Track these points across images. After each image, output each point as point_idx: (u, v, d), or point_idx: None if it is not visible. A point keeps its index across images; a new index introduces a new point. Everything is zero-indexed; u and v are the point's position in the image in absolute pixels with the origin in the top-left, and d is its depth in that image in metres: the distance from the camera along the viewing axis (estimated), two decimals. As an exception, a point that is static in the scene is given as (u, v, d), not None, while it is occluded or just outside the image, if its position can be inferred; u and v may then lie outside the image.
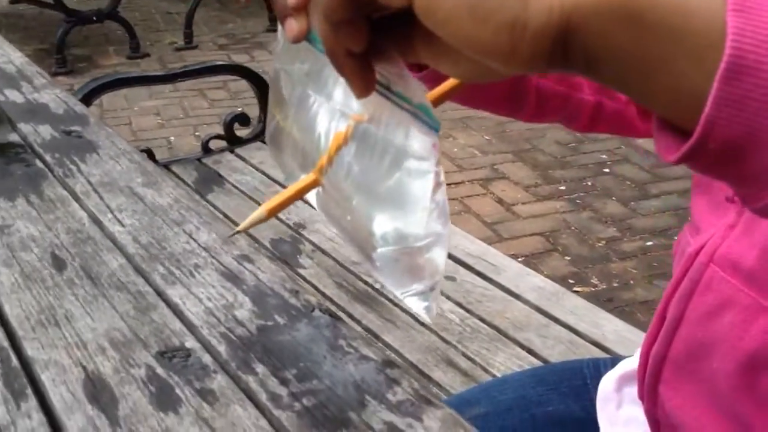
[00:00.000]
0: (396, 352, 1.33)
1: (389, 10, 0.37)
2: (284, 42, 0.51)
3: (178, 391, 0.55)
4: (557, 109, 0.74)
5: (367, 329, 1.40)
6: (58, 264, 0.70)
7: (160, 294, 0.65)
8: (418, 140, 0.41)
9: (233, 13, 5.43)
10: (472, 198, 2.97)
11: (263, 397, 0.54)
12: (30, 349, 0.60)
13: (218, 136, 2.16)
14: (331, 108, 0.47)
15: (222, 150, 2.14)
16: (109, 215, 0.79)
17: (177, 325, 0.61)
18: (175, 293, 0.65)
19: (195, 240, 0.73)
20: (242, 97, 3.88)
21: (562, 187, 3.05)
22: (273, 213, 0.48)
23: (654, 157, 3.27)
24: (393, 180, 0.42)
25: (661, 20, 0.32)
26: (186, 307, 0.63)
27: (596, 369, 0.85)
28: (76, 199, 0.83)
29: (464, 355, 1.32)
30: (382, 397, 0.53)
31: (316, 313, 0.62)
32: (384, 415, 0.52)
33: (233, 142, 2.14)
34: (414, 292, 0.42)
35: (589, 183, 3.08)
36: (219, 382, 0.55)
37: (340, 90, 0.46)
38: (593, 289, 2.43)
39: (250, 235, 1.70)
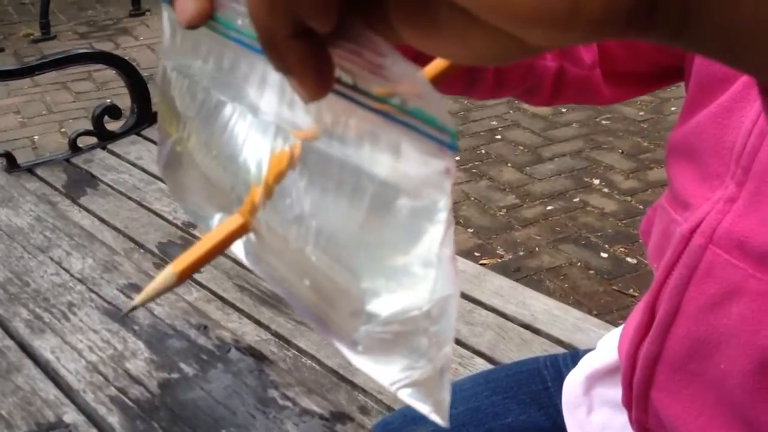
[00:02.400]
0: (313, 358, 1.20)
1: None
2: (174, 29, 0.36)
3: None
4: (518, 82, 0.63)
5: (277, 335, 1.26)
6: None
7: (24, 348, 0.50)
8: (418, 164, 0.26)
9: (92, -2, 5.10)
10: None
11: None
12: None
13: (87, 132, 1.96)
14: (260, 120, 0.32)
15: (93, 147, 1.94)
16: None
17: (51, 391, 0.46)
18: (44, 345, 0.50)
19: (66, 270, 0.58)
20: (110, 87, 3.62)
21: (457, 158, 2.97)
22: (185, 276, 0.33)
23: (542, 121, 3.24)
24: (379, 226, 0.27)
25: None
26: (61, 363, 0.48)
27: (556, 369, 0.75)
28: None
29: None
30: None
31: (234, 354, 0.48)
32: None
33: (104, 137, 1.94)
34: (411, 382, 0.29)
35: (483, 151, 3.02)
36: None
37: (272, 94, 0.31)
38: (499, 260, 2.36)
39: (137, 244, 1.52)
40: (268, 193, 0.31)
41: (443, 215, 0.26)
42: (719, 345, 0.52)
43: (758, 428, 0.52)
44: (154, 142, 1.91)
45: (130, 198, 1.72)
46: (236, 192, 0.33)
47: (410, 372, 0.28)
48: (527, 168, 2.88)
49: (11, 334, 0.52)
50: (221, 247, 0.33)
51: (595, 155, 2.93)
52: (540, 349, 1.15)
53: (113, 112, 1.94)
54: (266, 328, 1.28)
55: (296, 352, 1.23)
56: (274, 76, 0.30)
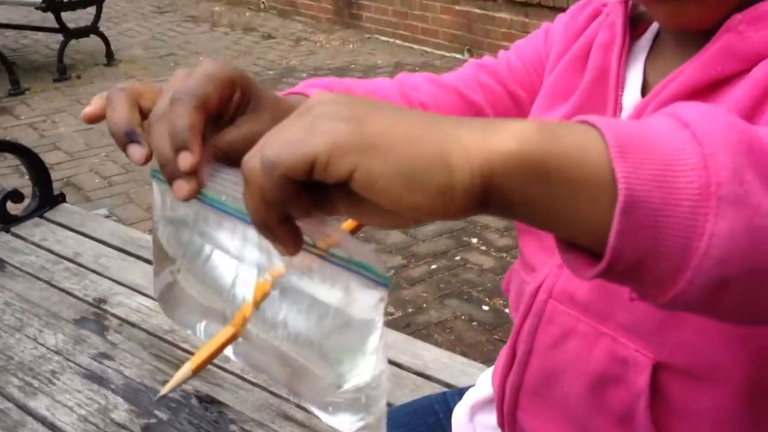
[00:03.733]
0: (233, 410, 1.32)
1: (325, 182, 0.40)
2: (163, 196, 0.53)
3: None
4: None
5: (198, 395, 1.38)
6: None
7: (22, 408, 0.62)
8: (363, 295, 0.44)
9: (-29, 77, 5.07)
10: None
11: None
12: None
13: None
14: (244, 263, 0.49)
15: (-6, 232, 2.00)
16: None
17: (55, 438, 0.59)
18: (39, 405, 0.62)
19: (42, 344, 0.70)
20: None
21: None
22: (198, 370, 0.51)
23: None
24: (338, 336, 0.45)
25: (562, 175, 0.39)
26: (57, 417, 0.61)
27: (446, 403, 0.92)
28: None
29: (298, 406, 1.34)
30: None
31: (195, 401, 0.62)
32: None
33: (8, 221, 2.01)
34: (362, 426, 0.46)
35: (383, 230, 3.20)
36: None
37: (253, 246, 0.48)
38: (390, 318, 2.53)
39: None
40: (256, 307, 0.48)
41: (379, 326, 0.44)
42: (562, 374, 0.70)
43: (594, 433, 0.70)
44: (58, 224, 2.00)
45: (39, 279, 1.80)
46: (226, 310, 0.50)
47: (361, 421, 0.46)
48: (411, 231, 3.08)
49: (8, 398, 0.64)
50: (221, 349, 0.51)
51: (473, 216, 3.17)
52: (431, 392, 1.31)
53: (15, 196, 2.01)
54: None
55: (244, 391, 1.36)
56: (252, 234, 0.47)
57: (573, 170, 0.39)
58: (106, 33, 5.77)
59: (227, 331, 0.52)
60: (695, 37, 0.63)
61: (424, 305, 2.59)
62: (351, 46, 5.99)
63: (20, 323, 0.74)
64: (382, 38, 6.06)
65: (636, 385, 0.65)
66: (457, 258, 2.88)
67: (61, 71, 5.36)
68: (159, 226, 0.54)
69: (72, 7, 5.44)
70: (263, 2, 7.35)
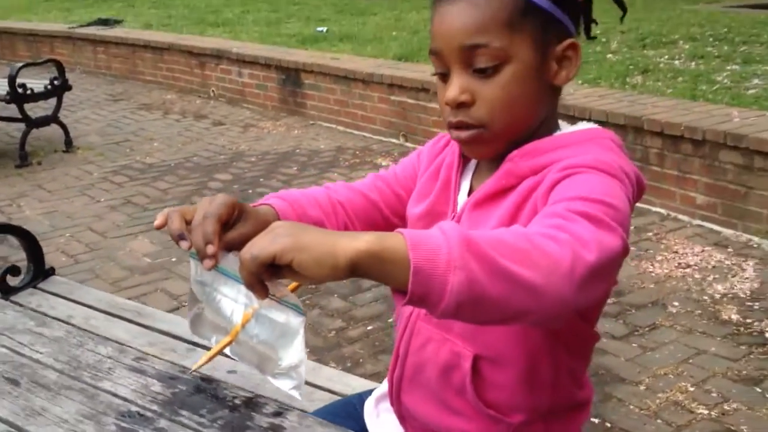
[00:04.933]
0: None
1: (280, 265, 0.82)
2: (197, 269, 1.00)
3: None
4: None
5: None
6: None
7: None
8: (293, 319, 0.90)
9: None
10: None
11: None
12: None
13: (-10, 288, 2.38)
14: (235, 302, 0.96)
15: (-4, 300, 2.36)
16: None
17: None
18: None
19: None
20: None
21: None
22: (211, 359, 0.97)
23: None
24: (285, 341, 0.92)
25: (387, 258, 0.81)
26: None
27: (360, 399, 1.34)
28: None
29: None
30: None
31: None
32: None
33: (6, 291, 2.38)
34: (294, 386, 0.93)
35: (313, 286, 3.62)
36: None
37: (242, 294, 0.94)
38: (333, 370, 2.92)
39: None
40: (244, 325, 0.94)
41: (302, 333, 0.91)
42: (425, 366, 1.13)
43: (451, 407, 1.12)
44: (50, 292, 2.38)
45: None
46: (226, 328, 0.96)
47: (294, 383, 0.92)
48: (350, 297, 3.50)
49: None
50: (223, 348, 0.97)
51: (404, 284, 3.60)
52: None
53: (13, 270, 2.40)
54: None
55: None
56: (242, 289, 0.93)
57: (391, 256, 0.81)
58: (63, 121, 6.14)
59: (227, 339, 0.98)
60: (494, 162, 1.09)
61: (361, 360, 3.00)
62: (296, 131, 6.47)
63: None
64: (325, 124, 6.57)
65: (465, 369, 1.08)
66: (390, 320, 3.30)
67: (23, 158, 5.70)
68: (192, 284, 0.99)
69: (35, 99, 5.83)
70: (213, 91, 7.82)
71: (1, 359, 1.13)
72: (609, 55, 6.49)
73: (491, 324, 0.95)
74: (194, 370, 1.05)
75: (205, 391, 1.03)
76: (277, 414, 0.97)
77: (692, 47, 6.67)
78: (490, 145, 1.07)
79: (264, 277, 0.84)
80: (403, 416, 1.20)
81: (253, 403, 1.00)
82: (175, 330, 1.96)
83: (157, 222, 0.99)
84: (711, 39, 7.06)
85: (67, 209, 4.83)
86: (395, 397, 1.20)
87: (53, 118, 6.01)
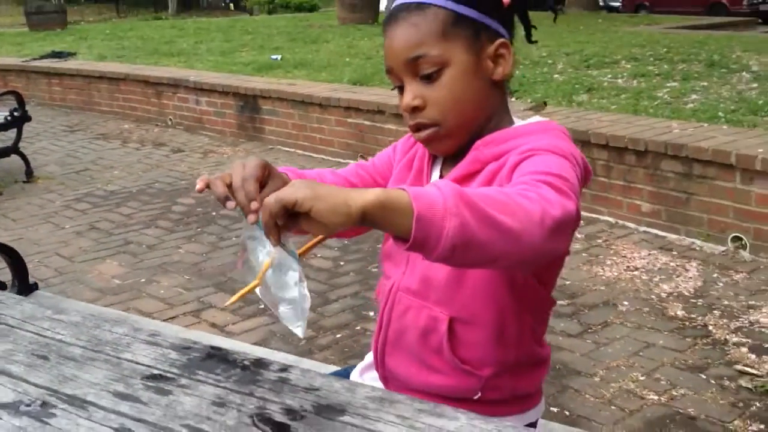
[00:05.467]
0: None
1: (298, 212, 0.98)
2: (246, 223, 1.14)
3: None
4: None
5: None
6: None
7: None
8: (295, 266, 1.05)
9: None
10: (189, 328, 3.49)
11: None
12: None
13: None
14: (266, 251, 1.10)
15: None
16: None
17: None
18: None
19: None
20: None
21: (262, 306, 3.69)
22: (243, 296, 1.11)
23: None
24: (291, 279, 1.06)
25: (392, 207, 0.96)
26: None
27: (346, 372, 1.50)
28: None
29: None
30: None
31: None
32: None
33: (-9, 306, 2.48)
34: (299, 324, 1.07)
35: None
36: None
37: (268, 245, 1.09)
38: (305, 378, 3.05)
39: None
40: (264, 272, 1.09)
41: (302, 274, 1.05)
42: (406, 331, 1.30)
43: (429, 366, 1.29)
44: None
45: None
46: (256, 270, 1.11)
47: (299, 323, 1.07)
48: (319, 308, 3.65)
49: None
50: (253, 288, 1.11)
51: (369, 294, 3.76)
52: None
53: (-1, 286, 2.51)
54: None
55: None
56: (267, 243, 1.07)
57: (396, 205, 0.97)
58: (22, 152, 6.20)
59: (254, 282, 1.12)
60: (460, 154, 1.26)
61: (332, 366, 3.14)
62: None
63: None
64: (284, 149, 6.72)
65: (441, 331, 1.25)
66: (358, 328, 3.45)
67: (-16, 189, 5.76)
68: (242, 238, 1.14)
69: (-5, 130, 5.90)
70: (170, 119, 7.93)
71: (28, 341, 1.27)
72: (556, 76, 6.79)
73: (476, 266, 1.10)
74: (228, 305, 1.17)
75: (216, 356, 1.17)
76: (283, 369, 1.12)
77: (634, 66, 7.01)
78: (447, 140, 1.25)
79: (282, 221, 0.97)
80: (386, 378, 1.36)
81: (261, 362, 1.14)
82: (164, 331, 2.09)
83: (199, 186, 1.12)
84: (652, 58, 7.42)
85: (33, 236, 4.90)
86: (380, 362, 1.35)
87: (13, 149, 6.07)
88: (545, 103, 5.38)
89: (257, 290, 1.15)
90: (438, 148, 1.28)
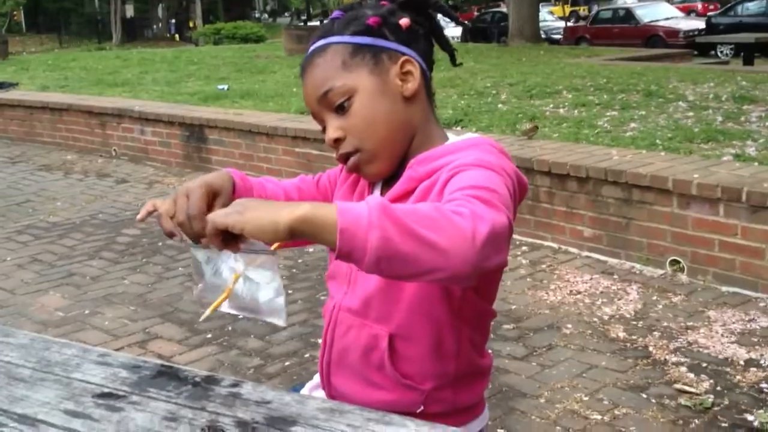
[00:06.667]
0: None
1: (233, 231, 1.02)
2: (194, 250, 1.17)
3: None
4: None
5: None
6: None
7: None
8: (270, 261, 1.08)
9: None
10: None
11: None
12: None
13: None
14: (230, 267, 1.13)
15: None
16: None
17: None
18: None
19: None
20: None
21: (209, 336, 3.68)
22: (214, 309, 1.14)
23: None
24: (267, 280, 1.09)
25: (319, 223, 1.01)
26: None
27: (295, 391, 1.51)
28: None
29: None
30: None
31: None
32: None
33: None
34: (281, 316, 1.10)
35: (230, 328, 3.75)
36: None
37: (231, 261, 1.12)
38: (253, 406, 3.05)
39: None
40: (234, 283, 1.12)
41: (278, 272, 1.09)
42: (349, 350, 1.32)
43: (373, 383, 1.31)
44: None
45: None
46: (223, 287, 1.13)
47: (280, 320, 1.09)
48: (267, 337, 3.64)
49: None
50: (222, 301, 1.14)
51: (318, 322, 3.77)
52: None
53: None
54: None
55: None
56: (232, 258, 1.11)
57: (322, 220, 1.00)
58: (-37, 183, 6.09)
59: (224, 295, 1.15)
60: (398, 174, 1.31)
61: (281, 393, 3.14)
62: (202, 186, 6.57)
63: None
64: (230, 178, 6.71)
65: (382, 347, 1.28)
66: (306, 355, 3.46)
67: None
68: (194, 263, 1.17)
69: (-66, 160, 5.77)
70: (115, 150, 7.86)
71: (-25, 364, 1.27)
72: (500, 105, 6.93)
73: (412, 279, 1.13)
74: (202, 320, 1.20)
75: (167, 374, 1.19)
76: (234, 385, 1.14)
77: (575, 96, 7.19)
78: (373, 164, 1.30)
79: (226, 237, 1.04)
80: (333, 397, 1.38)
81: (212, 378, 1.16)
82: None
83: (140, 216, 1.18)
84: (592, 89, 7.63)
85: (-26, 271, 4.80)
86: (326, 381, 1.38)
87: (-47, 180, 5.95)
88: (537, 127, 5.50)
89: (225, 303, 1.17)
90: (367, 172, 1.33)
